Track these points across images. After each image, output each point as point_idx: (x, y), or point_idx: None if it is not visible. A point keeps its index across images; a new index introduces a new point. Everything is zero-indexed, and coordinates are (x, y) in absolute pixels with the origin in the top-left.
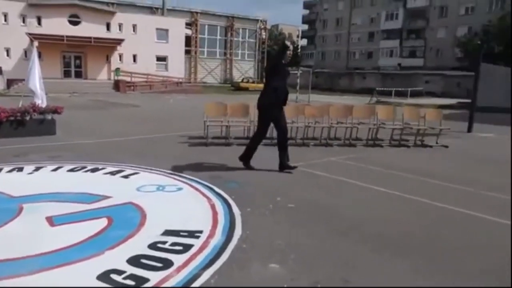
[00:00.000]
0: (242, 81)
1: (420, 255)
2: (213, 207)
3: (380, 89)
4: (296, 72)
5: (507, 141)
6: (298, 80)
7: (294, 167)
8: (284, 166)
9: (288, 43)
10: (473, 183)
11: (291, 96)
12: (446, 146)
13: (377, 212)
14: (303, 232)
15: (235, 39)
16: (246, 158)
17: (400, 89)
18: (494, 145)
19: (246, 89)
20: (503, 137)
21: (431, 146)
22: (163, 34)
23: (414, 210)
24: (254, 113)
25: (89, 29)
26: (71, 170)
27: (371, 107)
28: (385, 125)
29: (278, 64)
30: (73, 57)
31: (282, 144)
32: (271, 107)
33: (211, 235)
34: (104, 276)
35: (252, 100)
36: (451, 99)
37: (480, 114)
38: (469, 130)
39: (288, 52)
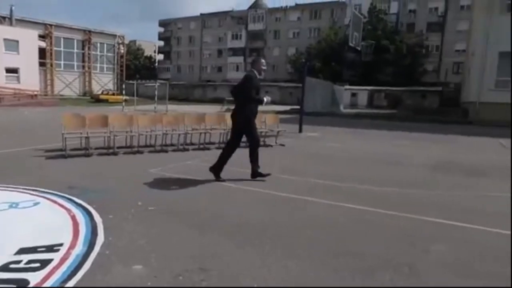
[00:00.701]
0: (102, 93)
1: (268, 240)
2: (73, 218)
3: (229, 98)
4: (154, 84)
5: (327, 138)
6: (156, 92)
7: (267, 175)
8: (256, 174)
9: (263, 67)
10: (305, 173)
11: (150, 107)
12: (283, 145)
13: (231, 205)
14: (163, 231)
15: (93, 52)
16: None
17: None
18: (318, 142)
19: (106, 101)
20: (325, 135)
21: (271, 146)
22: (12, 45)
23: (262, 201)
24: (114, 123)
25: None
26: None
27: (221, 115)
28: None
29: (254, 81)
30: None
31: (254, 152)
32: (253, 118)
33: (72, 246)
34: None
35: (112, 111)
36: (286, 106)
37: (308, 118)
38: (300, 131)
39: (263, 67)
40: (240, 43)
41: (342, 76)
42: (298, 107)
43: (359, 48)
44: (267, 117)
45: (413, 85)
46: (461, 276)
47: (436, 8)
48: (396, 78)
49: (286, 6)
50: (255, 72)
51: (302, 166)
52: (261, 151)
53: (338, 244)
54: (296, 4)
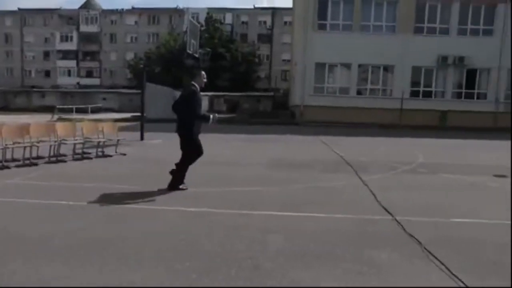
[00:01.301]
0: None
1: (111, 256)
2: None
3: (61, 106)
4: None
5: (170, 145)
6: None
7: (185, 189)
8: (175, 186)
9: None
10: (149, 181)
11: None
12: (124, 154)
13: (64, 225)
14: None
15: None
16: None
17: (81, 106)
18: (161, 149)
19: None
20: (168, 142)
21: (111, 156)
22: None
23: (102, 215)
24: None
25: None
26: None
27: (50, 125)
28: (67, 141)
29: (198, 97)
30: None
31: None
32: (198, 133)
33: None
34: None
35: None
36: (126, 114)
37: (150, 125)
38: (142, 138)
39: (204, 80)
40: (71, 45)
41: (183, 82)
42: (139, 114)
43: (197, 55)
44: (104, 126)
45: (248, 90)
46: (299, 262)
47: (265, 22)
48: (233, 84)
49: (122, 9)
50: (196, 85)
51: (145, 175)
52: (100, 162)
53: (185, 248)
54: (133, 8)
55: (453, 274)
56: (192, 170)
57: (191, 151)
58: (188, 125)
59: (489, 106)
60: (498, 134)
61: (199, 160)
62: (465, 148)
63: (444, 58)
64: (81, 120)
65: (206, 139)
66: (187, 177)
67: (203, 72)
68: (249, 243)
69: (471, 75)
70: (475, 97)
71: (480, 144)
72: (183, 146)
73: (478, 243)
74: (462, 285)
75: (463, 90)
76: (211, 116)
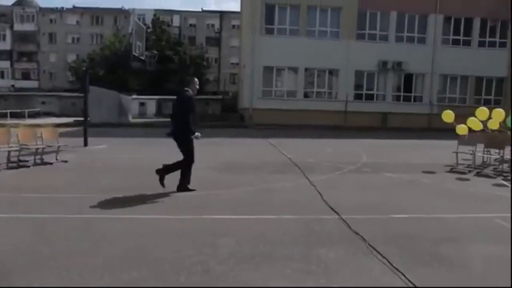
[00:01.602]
0: None
1: (52, 271)
2: None
3: None
4: None
5: (116, 150)
6: None
7: (193, 190)
8: (184, 187)
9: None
10: (92, 188)
11: None
12: (66, 161)
13: None
14: None
15: None
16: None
17: (16, 110)
18: (106, 154)
19: None
20: (113, 147)
21: (51, 163)
22: None
23: (36, 226)
24: None
25: None
26: None
27: None
28: (0, 148)
29: (194, 102)
30: None
31: (189, 167)
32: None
33: None
34: None
35: None
36: (68, 118)
37: (94, 129)
38: (85, 144)
39: (197, 87)
40: (5, 45)
41: (129, 85)
42: (82, 118)
43: (143, 58)
44: (43, 131)
45: (197, 93)
46: (249, 264)
47: (213, 25)
48: (182, 87)
49: (62, 8)
50: (190, 92)
51: (88, 182)
52: (39, 171)
53: (133, 257)
54: (74, 7)
55: (394, 267)
56: (140, 176)
57: (188, 155)
58: (185, 128)
59: (424, 108)
60: (432, 134)
61: (146, 165)
62: (404, 147)
63: (384, 63)
64: (16, 125)
65: (154, 144)
66: (124, 185)
67: (196, 79)
68: (199, 247)
69: (408, 79)
70: (412, 100)
71: (417, 144)
72: (182, 149)
73: (416, 237)
74: (405, 278)
75: (402, 94)
76: (197, 133)
